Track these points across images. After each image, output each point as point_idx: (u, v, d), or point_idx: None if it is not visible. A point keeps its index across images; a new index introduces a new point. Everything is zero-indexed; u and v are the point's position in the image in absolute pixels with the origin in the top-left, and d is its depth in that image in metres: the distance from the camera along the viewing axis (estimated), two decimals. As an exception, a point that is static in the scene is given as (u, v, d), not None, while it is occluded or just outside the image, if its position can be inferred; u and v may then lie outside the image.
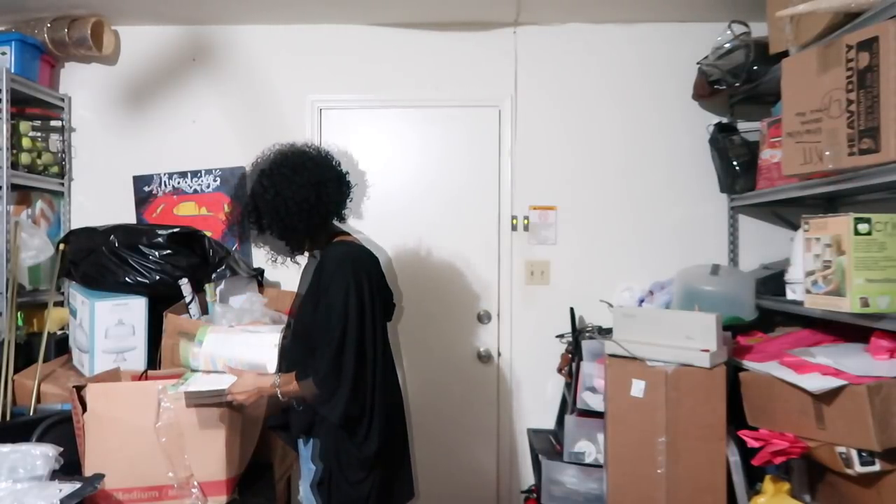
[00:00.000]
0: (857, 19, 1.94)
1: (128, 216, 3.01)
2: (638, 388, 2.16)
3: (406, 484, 1.94)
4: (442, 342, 2.99)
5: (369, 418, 1.78)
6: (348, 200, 1.92)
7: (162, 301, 2.42)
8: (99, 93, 3.05)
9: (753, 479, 2.15)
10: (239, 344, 1.92)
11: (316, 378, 1.73)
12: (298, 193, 1.78)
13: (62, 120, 2.99)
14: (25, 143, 2.76)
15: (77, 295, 2.47)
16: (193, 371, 1.93)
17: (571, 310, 2.78)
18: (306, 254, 1.99)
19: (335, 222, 1.95)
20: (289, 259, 1.94)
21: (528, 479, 2.94)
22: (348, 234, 1.96)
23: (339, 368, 1.71)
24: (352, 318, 1.73)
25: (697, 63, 2.74)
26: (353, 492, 1.77)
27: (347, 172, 1.93)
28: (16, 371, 2.38)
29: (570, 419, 2.45)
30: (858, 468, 1.85)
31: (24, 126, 2.77)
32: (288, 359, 1.88)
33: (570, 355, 2.72)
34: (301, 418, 1.84)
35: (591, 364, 2.43)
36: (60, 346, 2.61)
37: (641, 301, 2.80)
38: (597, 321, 2.80)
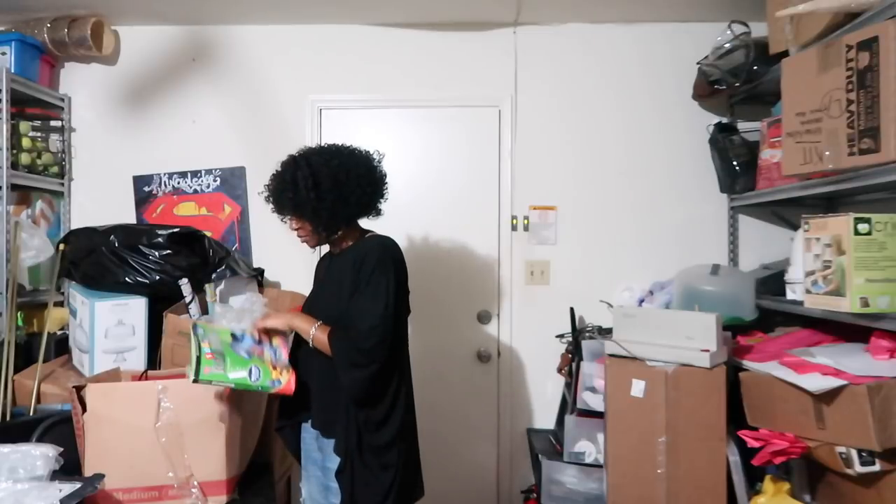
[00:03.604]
0: (857, 19, 1.94)
1: (128, 216, 3.01)
2: (638, 388, 2.16)
3: (420, 480, 1.96)
4: (442, 342, 2.99)
5: (390, 408, 1.83)
6: (383, 199, 1.98)
7: (162, 301, 2.42)
8: (99, 93, 3.05)
9: (753, 479, 2.15)
10: None
11: (352, 351, 1.76)
12: (357, 168, 1.87)
13: (62, 120, 2.99)
14: (25, 143, 2.76)
15: (77, 295, 2.47)
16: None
17: (571, 310, 2.78)
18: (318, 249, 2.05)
19: (365, 219, 2.00)
20: (315, 246, 1.99)
21: (528, 479, 2.93)
22: (373, 232, 1.99)
23: (375, 350, 1.75)
24: (390, 307, 1.79)
25: (697, 63, 2.74)
26: (375, 481, 1.79)
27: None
28: (16, 371, 2.38)
29: (570, 419, 2.45)
30: (858, 468, 1.85)
31: (24, 126, 2.77)
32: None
33: (570, 355, 2.72)
34: (326, 411, 1.87)
35: (591, 364, 2.43)
36: (60, 346, 2.61)
37: (641, 301, 2.80)
38: (597, 321, 2.80)
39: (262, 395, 2.13)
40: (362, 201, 1.89)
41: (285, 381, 1.84)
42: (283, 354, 1.90)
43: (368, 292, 1.79)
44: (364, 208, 1.93)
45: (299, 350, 1.96)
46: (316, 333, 1.81)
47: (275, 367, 1.85)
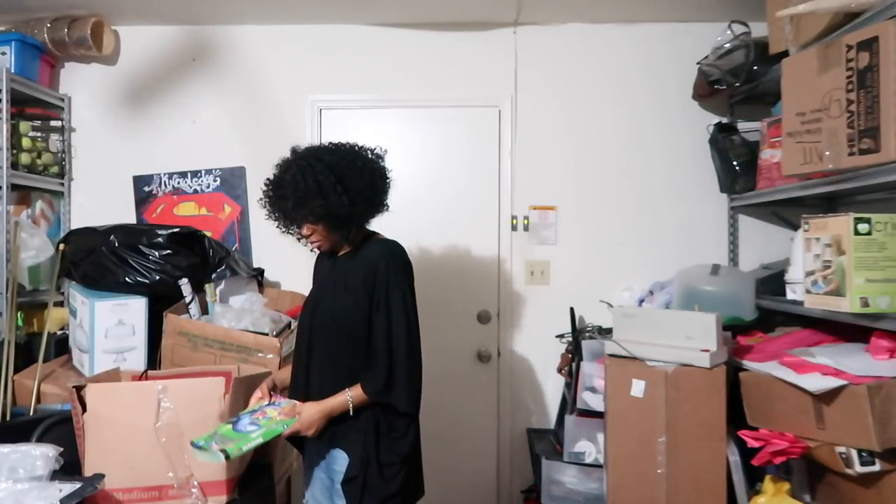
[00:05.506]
0: (857, 19, 1.94)
1: (128, 216, 3.01)
2: (638, 388, 2.16)
3: (421, 481, 1.96)
4: (442, 342, 2.99)
5: (411, 418, 1.85)
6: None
7: (162, 301, 2.42)
8: (99, 93, 3.05)
9: (753, 479, 2.15)
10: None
11: (387, 377, 1.79)
12: (379, 169, 1.86)
13: (62, 120, 2.99)
14: (25, 143, 2.76)
15: (77, 295, 2.47)
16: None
17: (571, 310, 2.78)
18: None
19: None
20: (329, 249, 1.92)
21: (528, 479, 2.94)
22: (379, 234, 1.97)
23: (410, 365, 1.82)
24: (411, 316, 1.83)
25: (697, 63, 2.74)
26: (385, 488, 1.78)
27: None
28: (16, 371, 2.38)
29: (570, 419, 2.45)
30: (858, 468, 1.85)
31: (24, 126, 2.77)
32: (321, 350, 1.85)
33: (570, 355, 2.72)
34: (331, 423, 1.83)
35: (591, 364, 2.43)
36: (60, 346, 2.61)
37: (641, 301, 2.80)
38: (597, 321, 2.80)
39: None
40: (383, 203, 1.88)
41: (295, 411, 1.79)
42: (282, 400, 1.85)
43: (393, 311, 1.79)
44: (381, 209, 1.90)
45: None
46: (353, 399, 1.77)
47: (281, 414, 1.78)
